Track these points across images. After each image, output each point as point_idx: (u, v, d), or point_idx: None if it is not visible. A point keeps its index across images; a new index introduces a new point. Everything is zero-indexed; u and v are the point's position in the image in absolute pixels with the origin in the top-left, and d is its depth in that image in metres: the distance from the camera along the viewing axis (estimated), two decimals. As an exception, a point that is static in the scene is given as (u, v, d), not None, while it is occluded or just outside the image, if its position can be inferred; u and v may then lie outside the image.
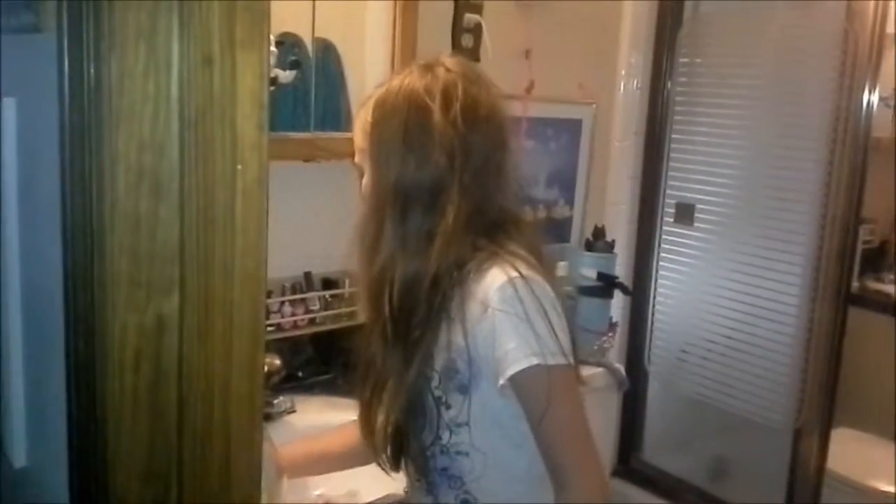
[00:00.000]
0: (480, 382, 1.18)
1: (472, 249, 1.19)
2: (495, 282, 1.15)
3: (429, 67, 1.23)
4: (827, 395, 2.45)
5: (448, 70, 1.22)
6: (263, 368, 0.89)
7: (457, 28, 2.17)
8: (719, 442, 2.82)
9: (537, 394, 1.14)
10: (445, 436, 1.23)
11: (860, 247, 2.75)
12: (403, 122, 1.19)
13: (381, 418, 1.28)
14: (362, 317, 1.36)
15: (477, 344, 1.16)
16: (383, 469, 1.33)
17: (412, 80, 1.21)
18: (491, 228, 1.22)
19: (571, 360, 1.15)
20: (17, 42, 1.00)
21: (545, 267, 1.23)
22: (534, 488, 1.22)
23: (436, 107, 1.18)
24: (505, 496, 1.24)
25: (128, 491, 0.81)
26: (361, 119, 1.26)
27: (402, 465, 1.32)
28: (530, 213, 1.37)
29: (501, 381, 1.13)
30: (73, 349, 0.84)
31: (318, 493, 1.62)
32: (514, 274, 1.14)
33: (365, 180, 1.27)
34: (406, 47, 1.95)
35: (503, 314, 1.13)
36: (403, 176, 1.20)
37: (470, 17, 2.17)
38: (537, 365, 1.12)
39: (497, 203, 1.23)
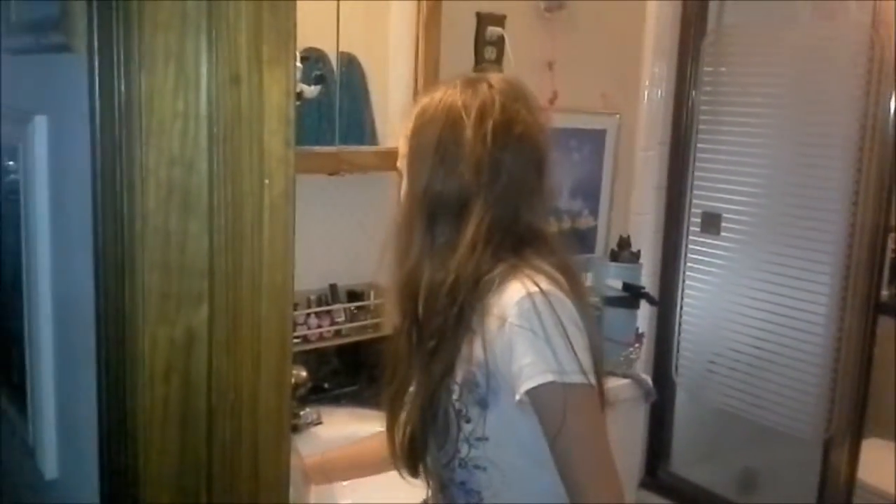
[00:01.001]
0: (500, 397, 1.18)
1: (494, 262, 1.19)
2: (514, 296, 1.14)
3: (472, 82, 1.26)
4: (857, 405, 2.42)
5: (490, 87, 1.24)
6: (291, 380, 0.90)
7: (480, 41, 2.17)
8: (748, 453, 2.79)
9: (554, 411, 1.13)
10: (464, 449, 1.23)
11: (889, 255, 2.72)
12: (438, 133, 1.22)
13: (401, 425, 1.29)
14: (391, 323, 1.39)
15: (496, 358, 1.16)
16: (401, 475, 1.33)
17: (454, 93, 1.24)
18: (517, 244, 1.22)
19: (591, 380, 1.13)
20: (46, 61, 1.02)
21: (574, 284, 1.22)
22: None
23: (469, 122, 1.20)
24: None
25: (158, 502, 0.82)
26: (404, 125, 1.30)
27: (421, 473, 1.32)
28: (555, 226, 1.34)
29: (517, 397, 1.13)
30: (105, 362, 0.85)
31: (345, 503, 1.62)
32: (534, 289, 1.14)
33: (402, 186, 1.30)
34: (429, 60, 1.97)
35: (520, 329, 1.13)
36: (433, 185, 1.22)
37: (493, 30, 2.18)
38: (552, 382, 1.11)
39: (525, 220, 1.23)
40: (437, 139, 1.22)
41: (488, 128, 1.20)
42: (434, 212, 1.23)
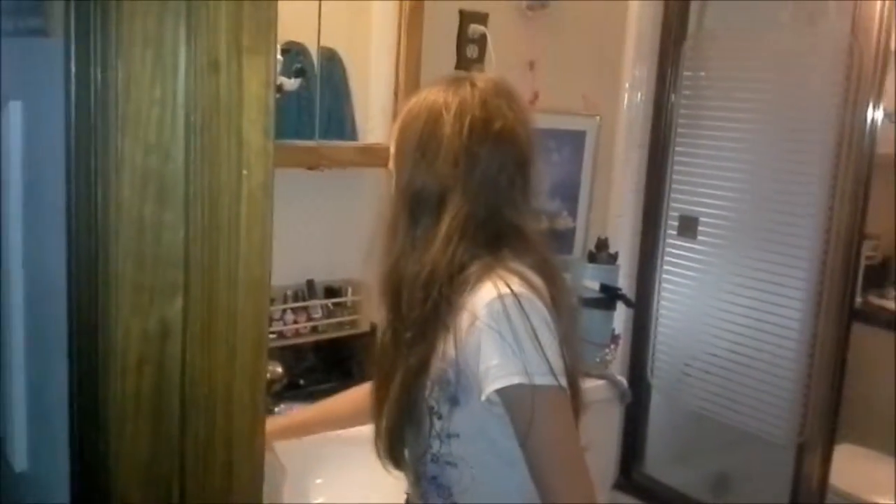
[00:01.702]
0: (470, 395, 1.18)
1: (469, 258, 1.20)
2: (486, 297, 1.14)
3: (456, 81, 1.29)
4: (830, 410, 2.44)
5: (473, 85, 1.27)
6: (266, 375, 0.89)
7: (462, 38, 2.17)
8: (721, 456, 2.80)
9: (523, 412, 1.13)
10: (436, 445, 1.23)
11: (863, 262, 2.74)
12: (419, 129, 1.25)
13: (383, 417, 1.30)
14: (378, 318, 1.42)
15: (466, 357, 1.16)
16: (384, 467, 1.34)
17: (437, 91, 1.27)
18: (494, 240, 1.23)
19: (562, 382, 1.13)
20: (23, 45, 1.01)
21: (553, 284, 1.23)
22: None
23: (449, 117, 1.23)
24: None
25: (130, 495, 0.81)
26: (394, 126, 1.33)
27: (401, 465, 1.33)
28: (539, 223, 1.34)
29: (483, 397, 1.13)
30: (76, 352, 0.84)
31: (319, 502, 1.62)
32: (505, 291, 1.14)
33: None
34: (411, 57, 1.96)
35: (489, 330, 1.13)
36: (415, 180, 1.25)
37: (475, 28, 2.18)
38: (520, 384, 1.11)
39: (505, 216, 1.24)
40: (419, 135, 1.25)
41: (465, 122, 1.22)
42: (416, 206, 1.25)
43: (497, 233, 1.23)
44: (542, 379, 1.11)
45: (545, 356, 1.12)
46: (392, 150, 1.32)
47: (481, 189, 1.23)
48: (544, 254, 1.26)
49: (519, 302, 1.13)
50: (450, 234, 1.21)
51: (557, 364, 1.13)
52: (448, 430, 1.21)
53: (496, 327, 1.12)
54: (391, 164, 1.33)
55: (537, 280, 1.20)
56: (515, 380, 1.11)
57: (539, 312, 1.15)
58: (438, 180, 1.23)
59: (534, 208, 1.29)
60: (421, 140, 1.25)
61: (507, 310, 1.12)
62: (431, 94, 1.27)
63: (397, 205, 1.28)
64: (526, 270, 1.20)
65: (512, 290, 1.14)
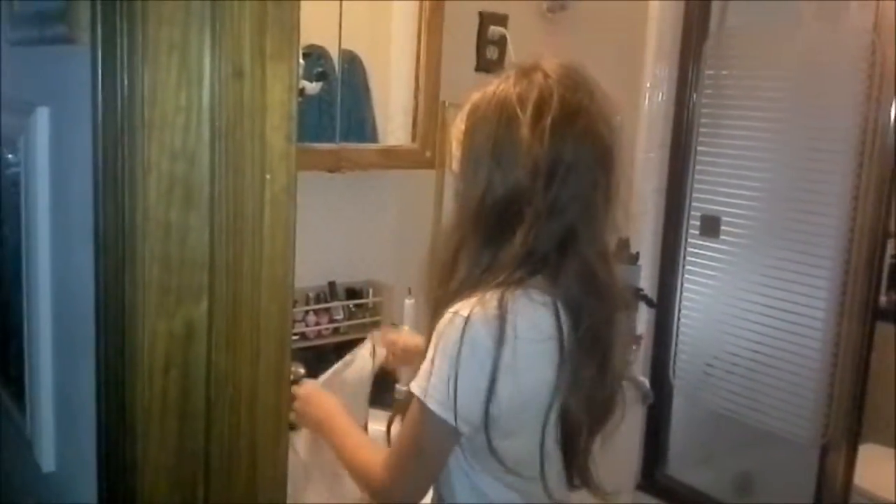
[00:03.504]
0: None
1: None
2: (454, 307, 1.11)
3: (525, 72, 1.15)
4: (854, 410, 2.42)
5: (546, 76, 1.13)
6: (290, 376, 0.89)
7: (482, 40, 2.17)
8: (744, 457, 2.79)
9: (410, 413, 1.14)
10: None
11: (888, 261, 2.72)
12: (492, 132, 1.12)
13: None
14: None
15: None
16: None
17: (507, 86, 1.14)
18: (541, 264, 1.12)
19: (450, 418, 1.09)
20: (49, 52, 1.02)
21: (579, 319, 1.12)
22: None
23: (525, 118, 1.10)
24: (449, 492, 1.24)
25: (155, 495, 0.82)
26: (456, 126, 1.20)
27: None
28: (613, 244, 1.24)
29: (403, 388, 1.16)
30: (104, 354, 0.85)
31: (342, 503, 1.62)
32: (464, 312, 1.08)
33: (456, 191, 1.22)
34: (431, 59, 1.96)
35: (434, 337, 1.12)
36: (487, 192, 1.12)
37: (495, 30, 2.18)
38: (417, 398, 1.12)
39: (573, 238, 1.12)
40: (493, 140, 1.12)
41: (546, 122, 1.09)
42: (489, 221, 1.13)
43: (546, 257, 1.12)
44: (431, 403, 1.10)
45: (449, 387, 1.08)
46: (457, 153, 1.19)
47: (560, 202, 1.10)
48: (590, 285, 1.14)
49: (463, 328, 1.08)
50: (514, 256, 1.10)
51: (466, 401, 1.08)
52: None
53: (436, 339, 1.11)
54: (455, 169, 1.20)
55: (536, 316, 1.11)
56: (417, 391, 1.12)
57: (481, 348, 1.07)
58: (517, 191, 1.10)
59: (612, 219, 1.18)
60: (496, 145, 1.11)
61: (448, 328, 1.09)
62: (501, 89, 1.13)
63: (465, 218, 1.16)
64: (527, 302, 1.10)
65: (467, 314, 1.08)
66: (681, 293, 2.77)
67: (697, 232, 2.70)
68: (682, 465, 2.90)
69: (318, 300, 1.96)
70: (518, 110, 1.10)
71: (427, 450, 1.17)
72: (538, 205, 1.10)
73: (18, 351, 1.18)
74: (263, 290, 0.82)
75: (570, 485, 1.22)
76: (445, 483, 1.22)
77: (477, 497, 1.19)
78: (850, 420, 2.43)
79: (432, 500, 1.26)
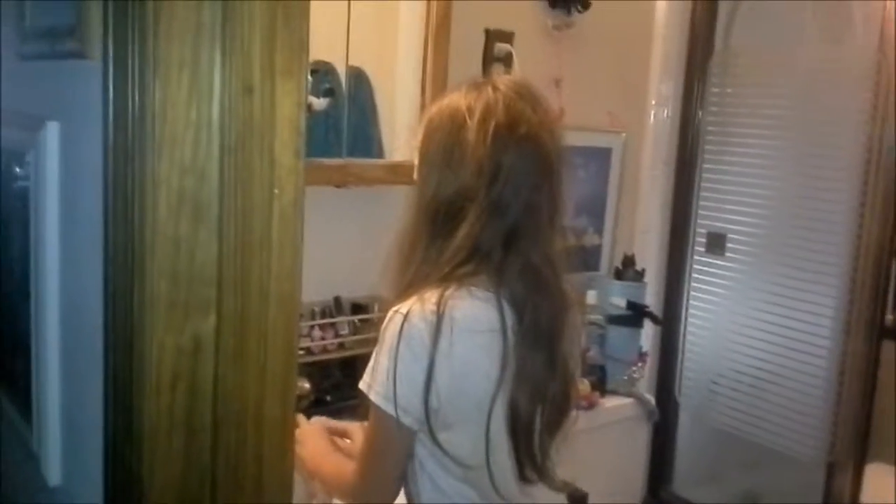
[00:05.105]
0: None
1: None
2: (395, 308, 1.17)
3: (478, 85, 1.23)
4: (860, 428, 2.42)
5: (495, 89, 1.21)
6: (296, 391, 0.90)
7: (487, 57, 2.18)
8: (750, 475, 2.77)
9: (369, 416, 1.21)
10: None
11: (894, 279, 2.71)
12: (443, 138, 1.20)
13: None
14: None
15: None
16: None
17: (458, 97, 1.22)
18: (486, 259, 1.18)
19: (389, 409, 1.15)
20: (61, 68, 1.03)
21: (525, 316, 1.17)
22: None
23: (472, 124, 1.17)
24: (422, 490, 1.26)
25: (162, 510, 0.82)
26: (416, 137, 1.28)
27: None
28: (563, 242, 1.27)
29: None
30: (111, 368, 0.86)
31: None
32: (403, 309, 1.15)
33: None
34: (437, 76, 1.97)
35: (380, 336, 1.18)
36: (438, 190, 1.21)
37: (500, 47, 2.19)
38: (364, 391, 1.18)
39: (518, 235, 1.18)
40: (443, 144, 1.21)
41: (489, 128, 1.16)
42: (438, 218, 1.20)
43: (490, 255, 1.18)
44: (374, 396, 1.17)
45: (388, 379, 1.14)
46: (416, 159, 1.27)
47: (502, 201, 1.17)
48: (534, 283, 1.19)
49: (401, 322, 1.14)
50: (458, 248, 1.17)
51: (405, 393, 1.14)
52: None
53: (380, 335, 1.17)
54: (415, 174, 1.28)
55: (475, 309, 1.15)
56: (362, 385, 1.19)
57: (417, 341, 1.13)
58: (462, 190, 1.18)
59: (558, 225, 1.23)
60: (445, 148, 1.20)
61: (388, 324, 1.16)
62: (454, 100, 1.22)
63: (419, 216, 1.24)
64: (466, 296, 1.15)
65: (406, 310, 1.14)
66: (686, 310, 2.76)
67: (703, 249, 2.70)
68: (687, 483, 2.88)
69: (323, 315, 1.97)
70: (466, 117, 1.19)
71: (380, 445, 1.23)
72: (481, 202, 1.17)
73: (26, 364, 1.18)
74: (271, 304, 0.83)
75: (522, 478, 1.23)
76: (413, 484, 1.25)
77: (439, 497, 1.23)
78: (857, 438, 2.42)
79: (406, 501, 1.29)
